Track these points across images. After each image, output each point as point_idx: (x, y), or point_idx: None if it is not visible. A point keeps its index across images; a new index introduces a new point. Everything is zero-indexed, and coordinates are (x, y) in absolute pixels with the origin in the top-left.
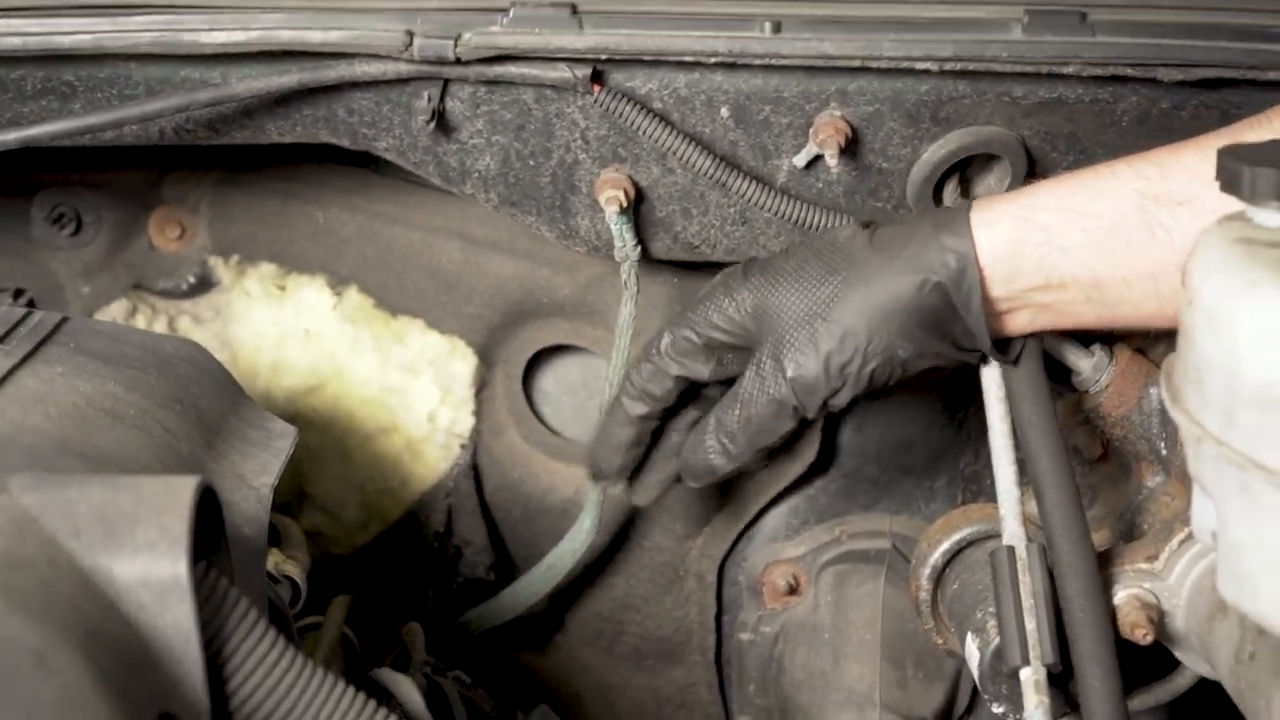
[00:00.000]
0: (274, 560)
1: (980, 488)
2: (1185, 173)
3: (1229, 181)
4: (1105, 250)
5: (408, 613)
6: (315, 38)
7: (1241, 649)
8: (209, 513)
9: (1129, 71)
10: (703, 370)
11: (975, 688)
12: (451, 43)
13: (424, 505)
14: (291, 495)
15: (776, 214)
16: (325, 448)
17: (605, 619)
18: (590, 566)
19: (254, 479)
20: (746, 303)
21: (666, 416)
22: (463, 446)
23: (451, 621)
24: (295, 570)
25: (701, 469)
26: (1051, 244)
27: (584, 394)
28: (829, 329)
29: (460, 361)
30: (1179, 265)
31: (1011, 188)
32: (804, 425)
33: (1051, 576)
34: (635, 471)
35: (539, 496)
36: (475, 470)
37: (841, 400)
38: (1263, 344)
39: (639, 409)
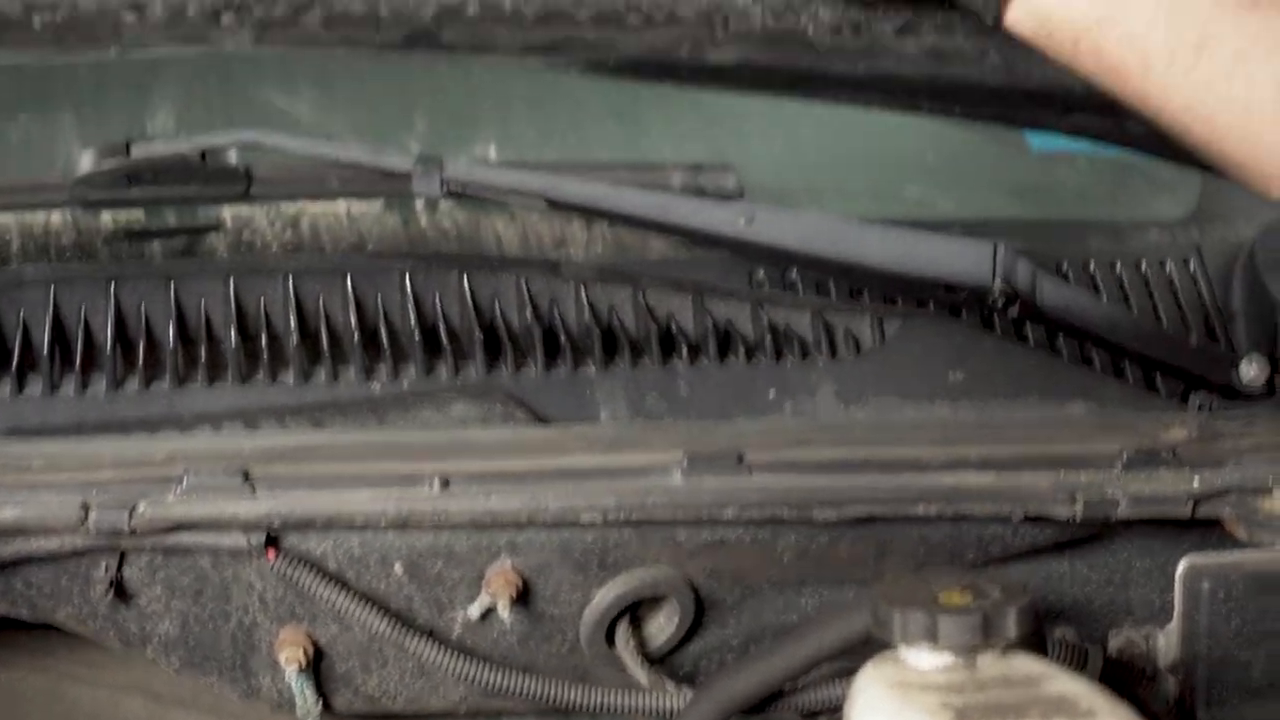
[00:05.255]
0: None
1: None
2: None
3: (880, 624)
4: None
5: None
6: None
7: None
8: None
9: (785, 513)
10: None
11: None
12: (126, 514)
13: None
14: None
15: (449, 671)
16: None
17: None
18: None
19: None
20: None
21: None
22: None
23: None
24: None
25: None
26: None
27: None
28: None
29: None
30: None
31: (680, 624)
32: None
33: None
34: None
35: None
36: None
37: None
38: None
39: None
